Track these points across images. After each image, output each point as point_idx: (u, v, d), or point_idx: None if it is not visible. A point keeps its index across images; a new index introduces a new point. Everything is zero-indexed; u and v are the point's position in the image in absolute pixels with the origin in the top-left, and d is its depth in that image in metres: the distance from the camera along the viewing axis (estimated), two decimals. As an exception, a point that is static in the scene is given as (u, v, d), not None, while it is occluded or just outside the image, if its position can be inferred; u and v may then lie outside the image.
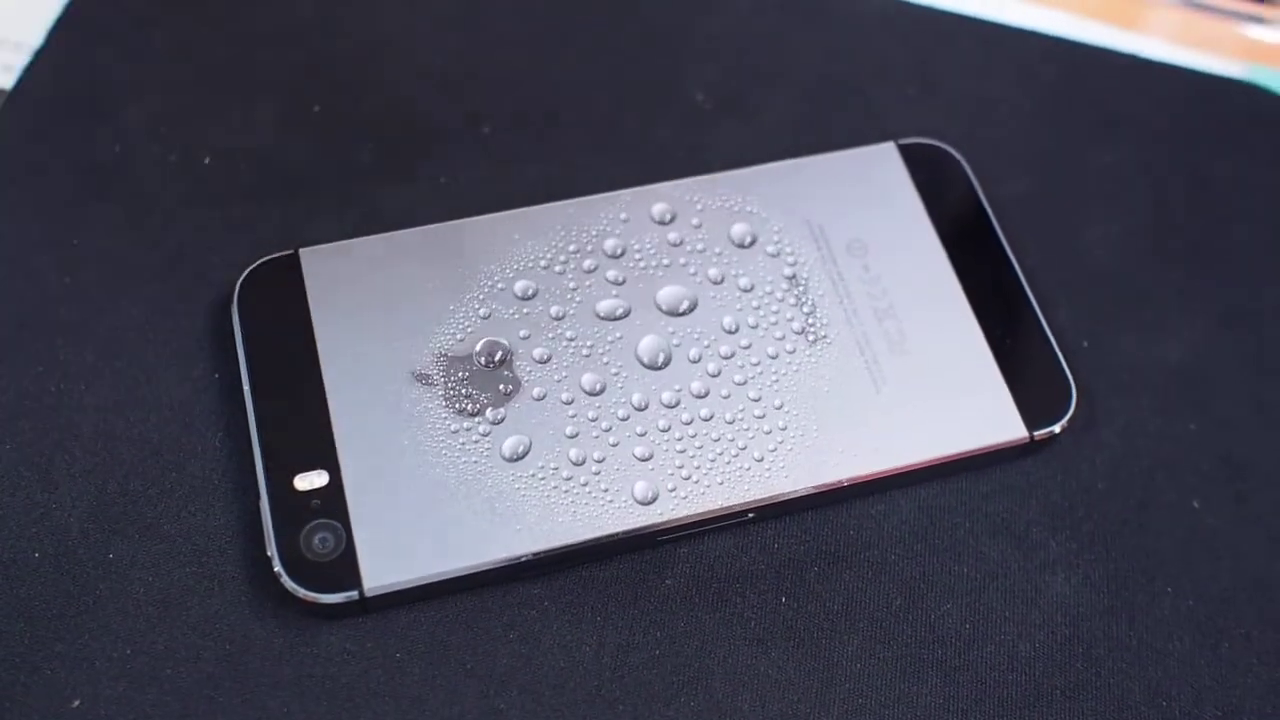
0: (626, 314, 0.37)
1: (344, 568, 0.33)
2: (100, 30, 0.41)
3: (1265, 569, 0.36)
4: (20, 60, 0.41)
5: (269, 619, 0.33)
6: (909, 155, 0.40)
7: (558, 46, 0.43)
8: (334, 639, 0.33)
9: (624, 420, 0.35)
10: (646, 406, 0.35)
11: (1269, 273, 0.41)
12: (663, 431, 0.35)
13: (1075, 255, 0.40)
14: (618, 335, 0.36)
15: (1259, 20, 0.46)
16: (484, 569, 0.33)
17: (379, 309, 0.36)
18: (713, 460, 0.35)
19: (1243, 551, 0.36)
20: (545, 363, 0.36)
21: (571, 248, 0.38)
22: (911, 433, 0.36)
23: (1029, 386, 0.37)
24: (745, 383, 0.36)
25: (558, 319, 0.37)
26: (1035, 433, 0.36)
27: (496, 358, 0.36)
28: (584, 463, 0.35)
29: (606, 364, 0.36)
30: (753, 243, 0.38)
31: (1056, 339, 0.38)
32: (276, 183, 0.39)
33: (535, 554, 0.33)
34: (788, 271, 0.38)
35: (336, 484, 0.34)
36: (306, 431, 0.34)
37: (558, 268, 0.37)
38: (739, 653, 0.34)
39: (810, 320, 0.37)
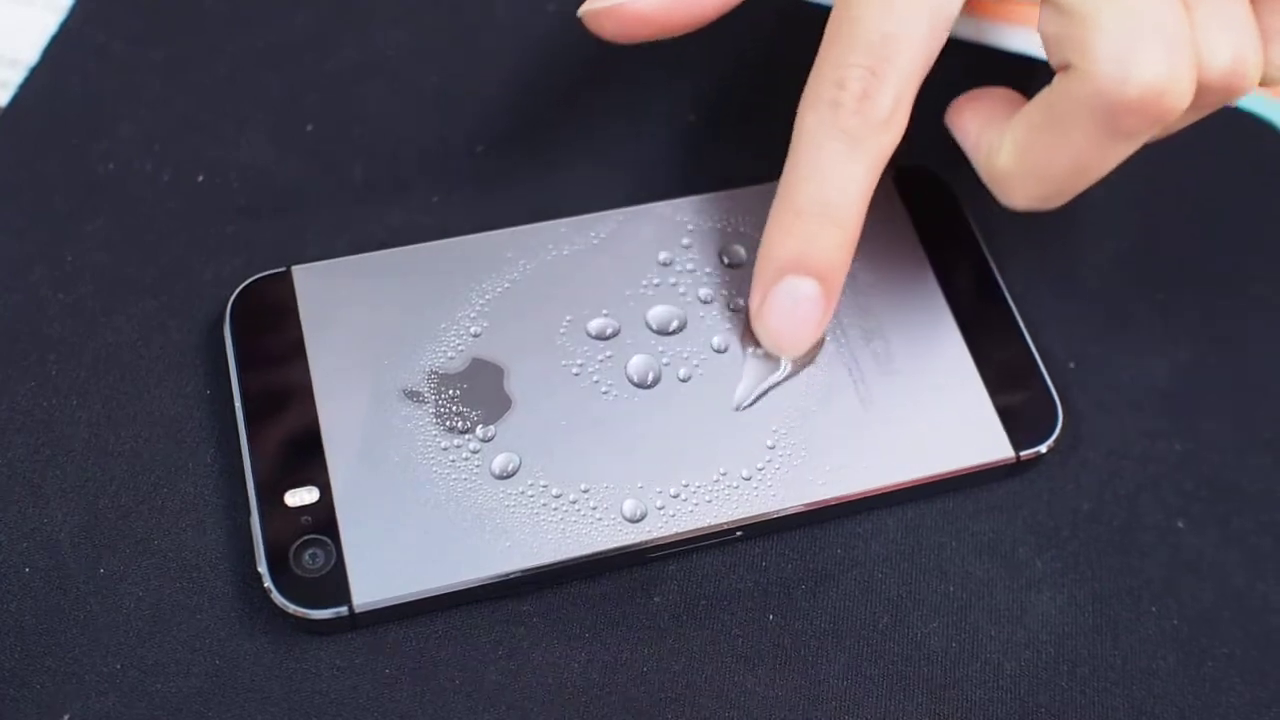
0: (616, 333, 0.37)
1: (334, 584, 0.33)
2: (95, 48, 0.42)
3: (1248, 589, 0.36)
4: (16, 77, 0.41)
5: (259, 634, 0.33)
6: (898, 178, 0.40)
7: (550, 66, 0.43)
8: (323, 654, 0.33)
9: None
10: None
11: (1253, 295, 0.41)
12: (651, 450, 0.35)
13: (1062, 277, 0.41)
14: (608, 354, 0.37)
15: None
16: (473, 585, 0.33)
17: (371, 326, 0.36)
18: (701, 479, 0.35)
19: (1227, 571, 0.37)
20: (535, 381, 0.36)
21: (562, 267, 0.38)
22: (898, 452, 0.36)
23: (1015, 407, 0.37)
24: (735, 401, 0.36)
25: (548, 337, 0.37)
26: (1021, 453, 0.36)
27: (487, 376, 0.36)
28: (573, 480, 0.35)
29: (596, 382, 0.36)
30: (742, 263, 0.38)
31: (1043, 360, 0.38)
32: (269, 200, 0.40)
33: (524, 571, 0.34)
34: (777, 291, 0.38)
35: (327, 500, 0.34)
36: (297, 448, 0.35)
37: (548, 286, 0.38)
38: (726, 670, 0.34)
39: (799, 340, 0.37)
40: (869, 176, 0.34)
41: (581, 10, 0.35)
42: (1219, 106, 0.34)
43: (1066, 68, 0.31)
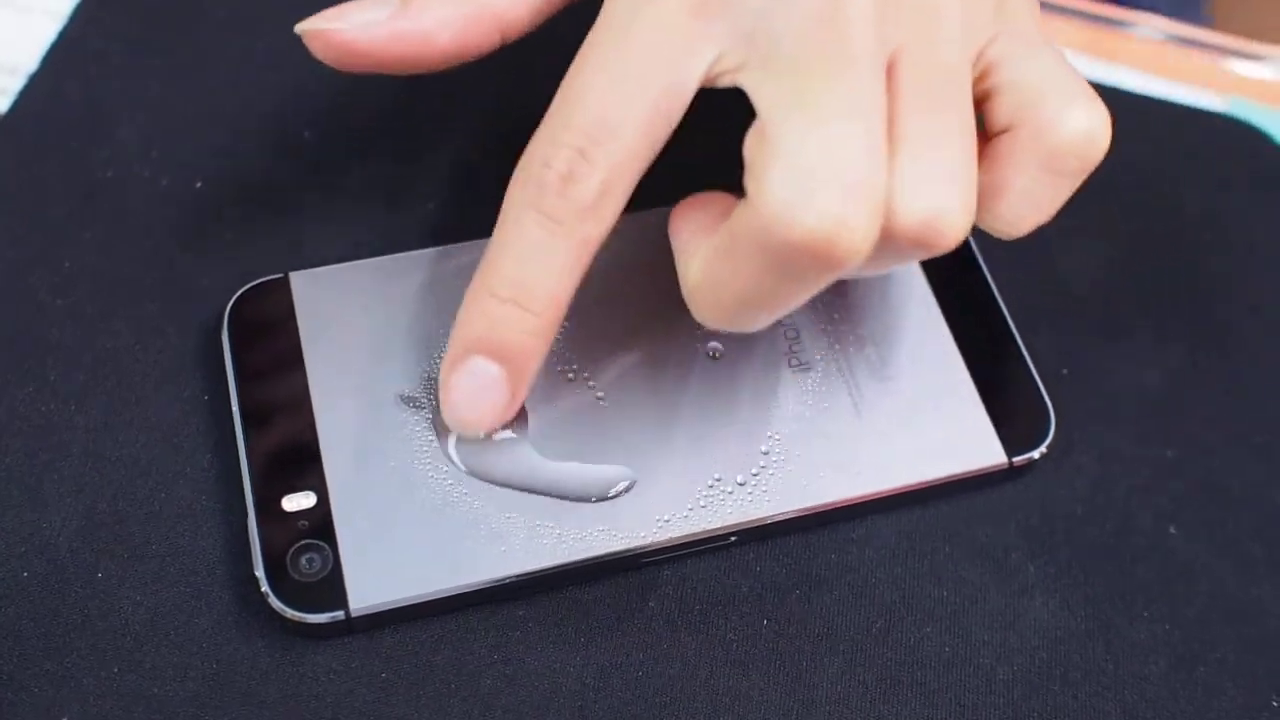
0: (611, 339, 0.37)
1: (330, 588, 0.33)
2: (94, 55, 0.42)
3: (1240, 594, 0.36)
4: (15, 84, 0.41)
5: (256, 638, 0.34)
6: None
7: (547, 72, 0.43)
8: (320, 659, 0.33)
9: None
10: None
11: (1245, 301, 0.41)
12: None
13: (1055, 283, 0.41)
14: (602, 359, 0.37)
15: (1246, 56, 0.46)
16: (469, 590, 0.34)
17: (367, 332, 0.37)
18: (696, 484, 0.35)
19: (1218, 576, 0.37)
20: (531, 386, 0.36)
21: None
22: (892, 458, 0.36)
23: (1008, 413, 0.37)
24: (728, 407, 0.36)
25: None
26: (1014, 459, 0.37)
27: (483, 381, 0.36)
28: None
29: (592, 387, 0.36)
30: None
31: (1036, 366, 0.38)
32: (267, 207, 0.40)
33: (520, 576, 0.34)
34: (771, 298, 0.38)
35: (324, 505, 0.34)
36: (294, 453, 0.35)
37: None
38: (721, 675, 0.34)
39: (793, 346, 0.37)
40: (569, 264, 0.31)
41: (299, 26, 0.34)
42: (920, 256, 0.31)
43: (745, 195, 0.30)
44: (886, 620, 0.35)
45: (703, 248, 0.32)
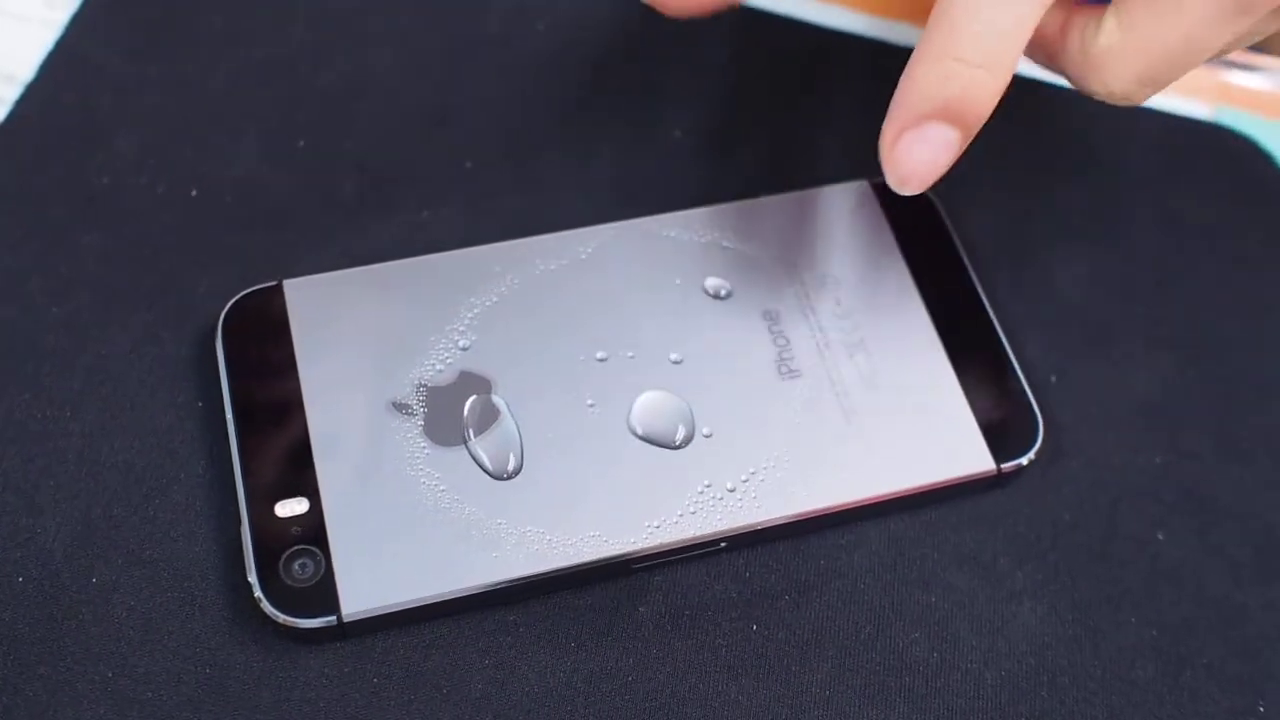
0: (602, 346, 0.37)
1: (323, 593, 0.33)
2: (91, 64, 0.42)
3: (1226, 599, 0.37)
4: (13, 93, 0.42)
5: (249, 643, 0.34)
6: (882, 193, 0.41)
7: (538, 82, 0.44)
8: (312, 663, 0.34)
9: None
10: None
11: (1234, 309, 0.41)
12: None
13: (1044, 291, 0.41)
14: (594, 367, 0.37)
15: (1236, 65, 0.46)
16: (460, 595, 0.34)
17: (361, 339, 0.37)
18: (686, 491, 0.35)
19: (1205, 582, 0.37)
20: (523, 393, 0.36)
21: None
22: (881, 465, 0.36)
23: (997, 420, 0.37)
24: (719, 414, 0.37)
25: (536, 351, 0.37)
26: (1002, 465, 0.37)
27: (475, 388, 0.36)
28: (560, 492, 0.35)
29: (582, 394, 0.37)
30: (727, 275, 0.39)
31: (1024, 373, 0.38)
32: (262, 215, 0.40)
33: (511, 581, 0.34)
34: (761, 306, 0.39)
35: (316, 511, 0.34)
36: (288, 459, 0.35)
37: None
38: (710, 680, 0.34)
39: (783, 353, 0.38)
40: (1034, 19, 0.32)
41: None
42: None
43: None
44: (875, 626, 0.36)
45: (1110, 10, 0.32)
